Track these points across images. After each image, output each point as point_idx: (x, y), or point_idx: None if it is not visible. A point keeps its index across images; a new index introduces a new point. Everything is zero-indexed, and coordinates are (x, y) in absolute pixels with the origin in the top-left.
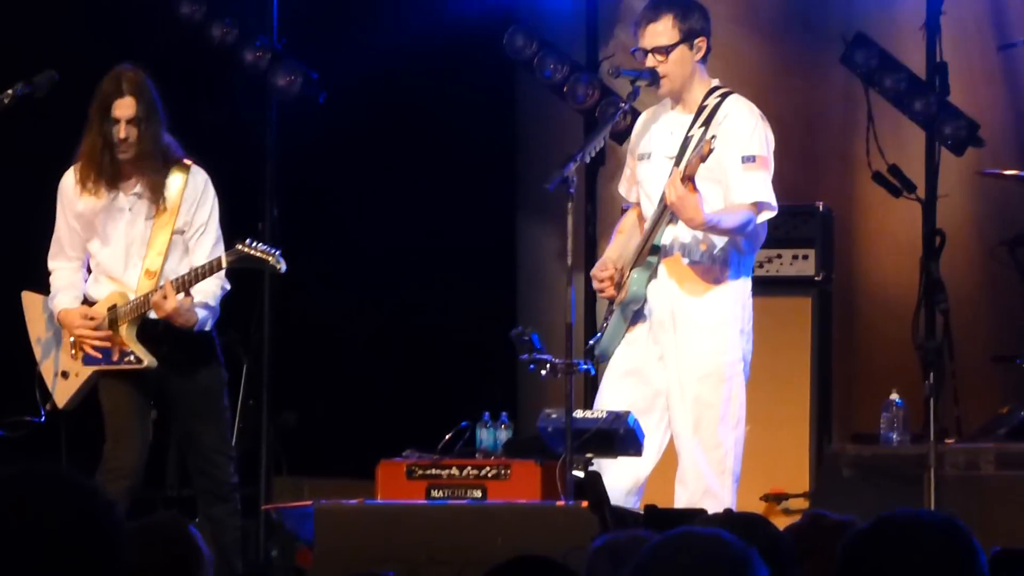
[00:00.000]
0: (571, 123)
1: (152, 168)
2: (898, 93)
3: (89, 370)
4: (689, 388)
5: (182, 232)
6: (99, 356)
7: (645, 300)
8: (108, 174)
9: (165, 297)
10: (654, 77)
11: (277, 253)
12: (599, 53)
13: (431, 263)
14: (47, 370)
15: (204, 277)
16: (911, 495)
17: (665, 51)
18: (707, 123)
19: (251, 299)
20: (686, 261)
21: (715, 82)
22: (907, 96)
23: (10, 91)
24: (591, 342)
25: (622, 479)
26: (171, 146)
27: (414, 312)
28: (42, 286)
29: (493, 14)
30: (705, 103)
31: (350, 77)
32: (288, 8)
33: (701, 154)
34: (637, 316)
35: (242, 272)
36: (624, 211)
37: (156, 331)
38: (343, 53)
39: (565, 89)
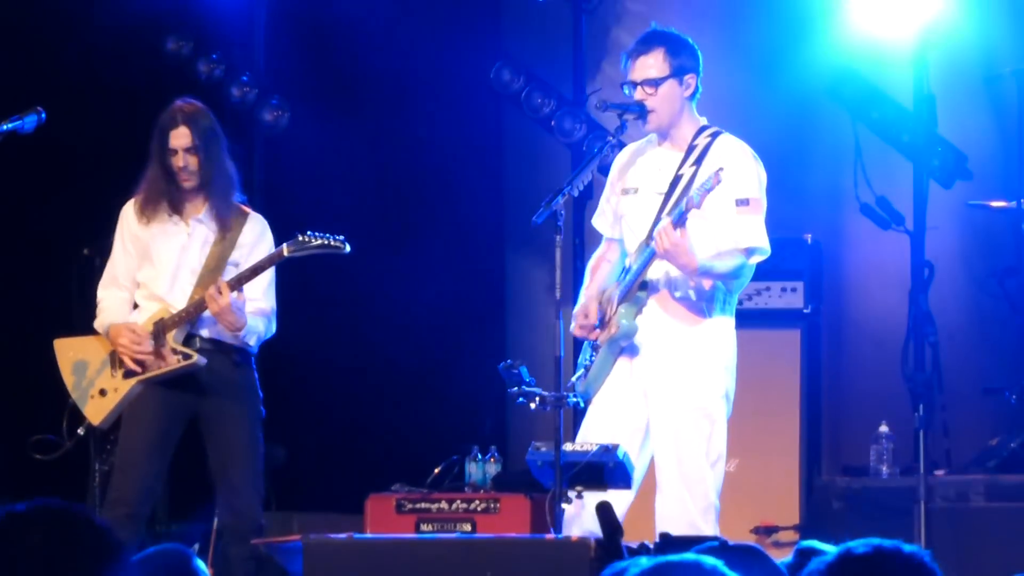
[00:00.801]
0: (558, 157)
1: (219, 195)
2: (885, 125)
3: (130, 383)
4: (673, 423)
5: (237, 264)
6: (139, 370)
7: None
8: (173, 201)
9: (220, 292)
10: (642, 111)
11: (340, 238)
12: (586, 88)
13: (419, 297)
14: (81, 397)
15: (262, 271)
16: (901, 527)
17: (654, 84)
18: (699, 162)
19: None
20: (675, 297)
21: (704, 120)
22: (894, 128)
23: None
24: (574, 380)
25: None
26: (235, 184)
27: (403, 346)
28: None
29: (480, 48)
30: (696, 142)
31: (336, 112)
32: (274, 44)
33: (708, 188)
34: (621, 351)
35: None
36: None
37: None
38: (329, 88)
39: (552, 123)
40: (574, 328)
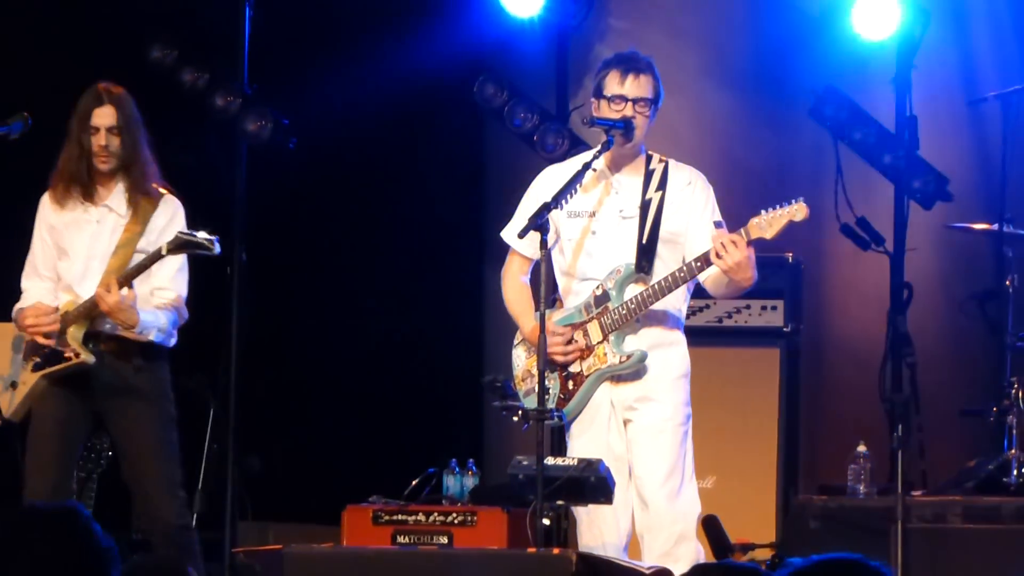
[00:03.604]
0: (540, 172)
1: (131, 182)
2: (867, 146)
3: (35, 376)
4: (661, 438)
5: (146, 252)
6: (43, 361)
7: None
8: (83, 185)
9: (108, 290)
10: (628, 127)
11: (214, 238)
12: (569, 103)
13: (398, 310)
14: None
15: (146, 268)
16: (878, 547)
17: (647, 104)
18: (663, 186)
19: (218, 343)
20: (657, 318)
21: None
22: (876, 149)
23: None
24: (556, 415)
25: (614, 535)
26: (152, 171)
27: (381, 358)
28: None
29: (463, 63)
30: (651, 167)
31: (320, 124)
32: (259, 54)
33: (794, 220)
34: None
35: (210, 317)
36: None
37: (102, 352)
38: (313, 100)
39: (535, 138)
40: (556, 353)
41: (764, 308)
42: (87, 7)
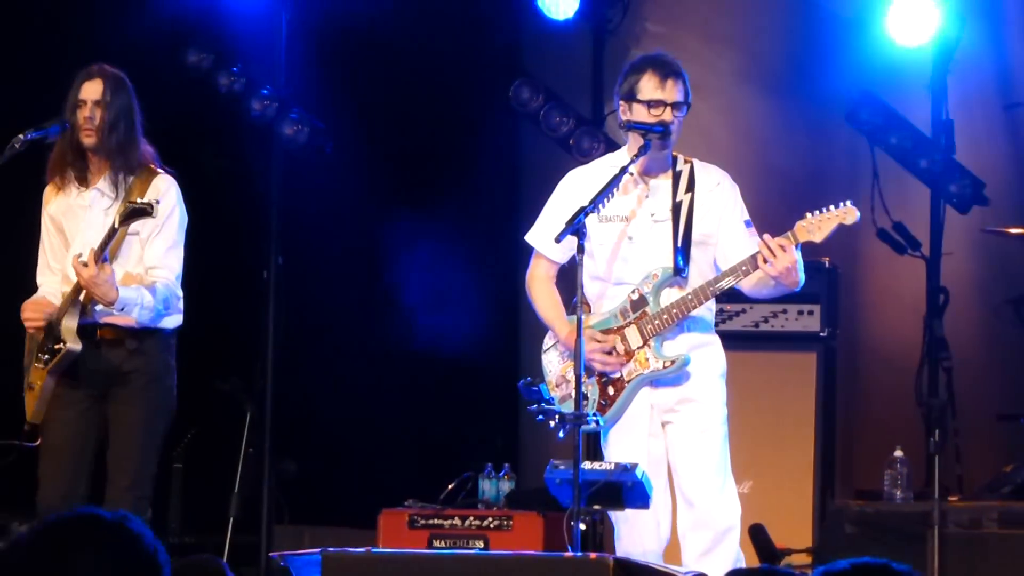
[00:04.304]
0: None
1: (120, 163)
2: (903, 151)
3: (43, 374)
4: (704, 437)
5: (137, 233)
6: (48, 357)
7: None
8: (76, 168)
9: (85, 264)
10: (665, 131)
11: (155, 200)
12: (604, 107)
13: (435, 314)
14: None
15: (107, 243)
16: (914, 552)
17: (683, 108)
18: (691, 188)
19: (255, 347)
20: (695, 320)
21: None
22: (912, 154)
23: (21, 136)
24: (593, 420)
25: (654, 541)
26: (147, 153)
27: (417, 362)
28: None
29: (499, 66)
30: (679, 168)
31: (356, 127)
32: (295, 58)
33: (844, 223)
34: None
35: (247, 320)
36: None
37: (99, 340)
38: (349, 104)
39: (571, 142)
40: (597, 360)
41: (801, 313)
42: (124, 11)
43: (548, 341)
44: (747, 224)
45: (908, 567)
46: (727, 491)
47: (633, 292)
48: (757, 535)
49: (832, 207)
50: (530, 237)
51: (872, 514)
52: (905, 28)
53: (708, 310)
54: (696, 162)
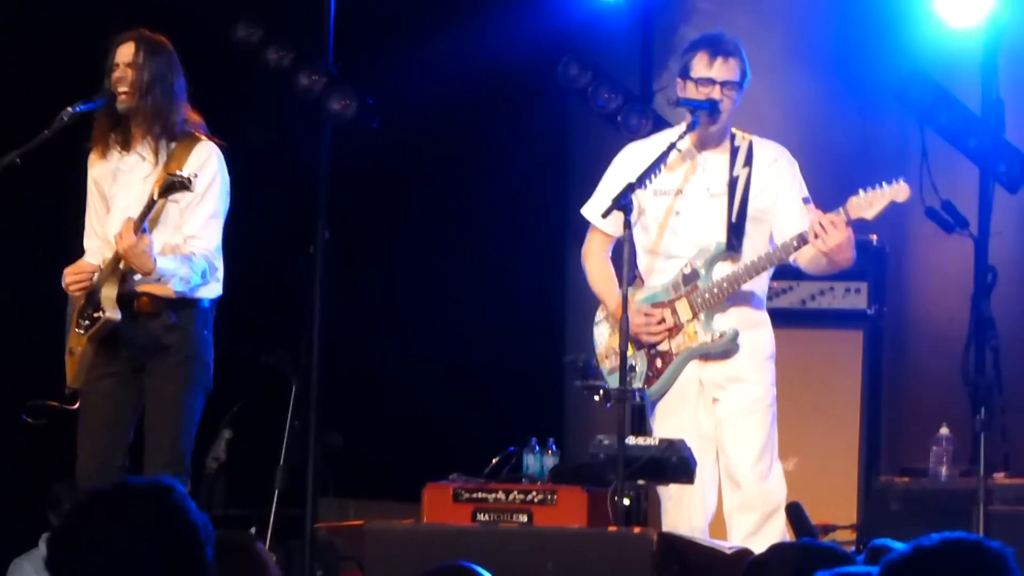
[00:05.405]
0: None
1: (159, 129)
2: (952, 130)
3: (83, 340)
4: (752, 418)
5: (177, 201)
6: (87, 323)
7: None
8: (119, 133)
9: (122, 234)
10: (714, 109)
11: (192, 175)
12: (653, 84)
13: (481, 289)
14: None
15: (147, 213)
16: (959, 529)
17: (734, 87)
18: (749, 163)
19: (301, 320)
20: (745, 297)
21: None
22: (961, 133)
23: (69, 109)
24: (638, 395)
25: (700, 516)
26: (193, 122)
27: (462, 337)
28: None
29: (548, 43)
30: (737, 144)
31: (404, 103)
32: (344, 33)
33: (896, 200)
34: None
35: (294, 294)
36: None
37: (136, 311)
38: (397, 79)
39: (619, 119)
40: (644, 332)
41: (848, 291)
42: None
43: (599, 314)
44: (805, 200)
45: (999, 542)
46: (773, 475)
47: (686, 266)
48: (794, 513)
49: (884, 184)
50: (585, 210)
51: (917, 491)
52: (955, 9)
53: (761, 289)
54: (756, 138)
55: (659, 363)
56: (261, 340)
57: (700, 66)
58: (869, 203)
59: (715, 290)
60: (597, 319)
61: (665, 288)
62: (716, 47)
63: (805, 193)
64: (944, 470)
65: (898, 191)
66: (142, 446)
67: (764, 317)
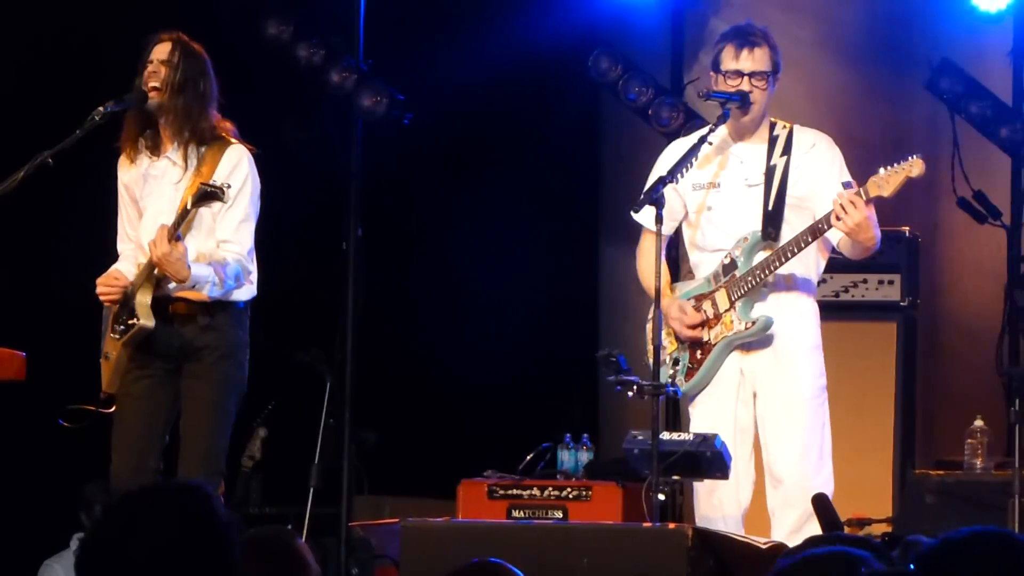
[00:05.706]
0: (655, 146)
1: (189, 133)
2: (984, 119)
3: (118, 345)
4: (794, 413)
5: (210, 206)
6: (123, 329)
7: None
8: (148, 137)
9: (155, 242)
10: (744, 101)
11: (227, 184)
12: (684, 77)
13: (515, 285)
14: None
15: (180, 222)
16: (995, 521)
17: (764, 77)
18: (787, 151)
19: (335, 317)
20: (787, 285)
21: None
22: (993, 123)
23: (101, 108)
24: (672, 390)
25: (734, 507)
26: (224, 128)
27: (497, 333)
28: None
29: (578, 36)
30: (775, 133)
31: (435, 99)
32: (375, 29)
33: (911, 176)
34: (734, 347)
35: (327, 291)
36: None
37: (171, 316)
38: (429, 75)
39: (650, 112)
40: (679, 327)
41: (881, 282)
42: None
43: (651, 311)
44: (846, 185)
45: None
46: (820, 473)
47: (725, 256)
48: (820, 505)
49: (899, 162)
50: (634, 211)
51: (952, 484)
52: None
53: (807, 277)
54: (796, 127)
55: (699, 354)
56: (295, 338)
57: (728, 58)
58: (886, 181)
59: (750, 278)
60: (650, 315)
61: (707, 280)
62: (742, 39)
63: (846, 177)
64: (979, 462)
65: (912, 166)
66: (178, 447)
67: (809, 306)
